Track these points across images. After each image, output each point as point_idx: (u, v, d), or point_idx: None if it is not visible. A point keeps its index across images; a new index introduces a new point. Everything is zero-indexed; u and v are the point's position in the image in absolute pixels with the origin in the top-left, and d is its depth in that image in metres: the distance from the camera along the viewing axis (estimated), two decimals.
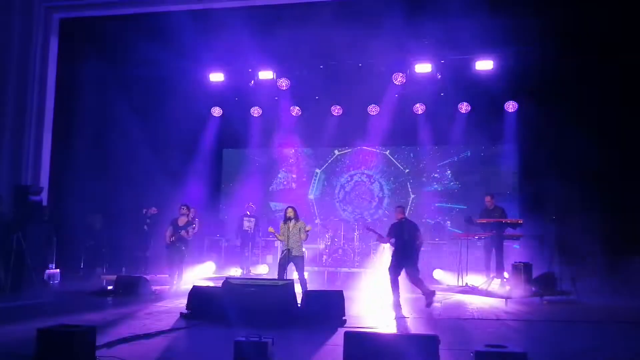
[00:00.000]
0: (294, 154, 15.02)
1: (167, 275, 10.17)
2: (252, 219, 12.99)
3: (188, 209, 10.20)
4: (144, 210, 12.48)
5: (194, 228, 10.10)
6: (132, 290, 9.24)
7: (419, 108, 13.60)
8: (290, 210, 8.89)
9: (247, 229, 12.83)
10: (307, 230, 8.84)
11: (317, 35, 11.82)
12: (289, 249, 8.66)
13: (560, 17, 10.80)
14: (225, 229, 13.90)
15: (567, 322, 7.36)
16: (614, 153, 11.04)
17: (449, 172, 14.03)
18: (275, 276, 8.85)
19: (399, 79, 13.07)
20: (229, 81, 13.71)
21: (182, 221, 10.01)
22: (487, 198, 10.60)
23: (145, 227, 12.36)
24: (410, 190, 14.25)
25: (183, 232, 9.85)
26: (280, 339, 4.97)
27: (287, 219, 8.84)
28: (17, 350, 5.06)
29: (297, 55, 12.91)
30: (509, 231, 10.06)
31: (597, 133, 11.01)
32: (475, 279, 10.19)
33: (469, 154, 13.88)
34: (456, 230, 12.47)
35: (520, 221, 10.00)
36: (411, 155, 14.38)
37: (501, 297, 8.96)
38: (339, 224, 12.95)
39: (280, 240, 8.95)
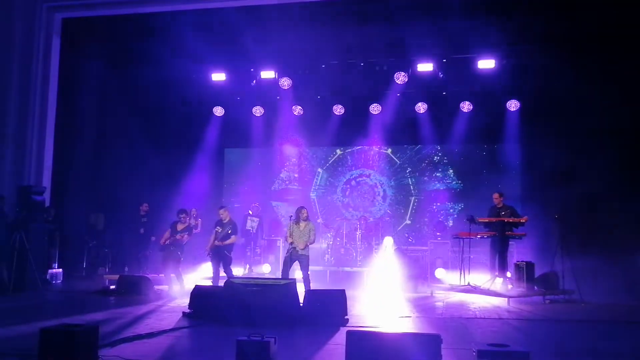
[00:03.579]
0: (296, 153, 15.01)
1: (163, 276, 10.15)
2: (256, 219, 12.99)
3: (186, 215, 10.17)
4: (141, 210, 12.51)
5: (189, 234, 10.08)
6: (134, 289, 9.26)
7: (421, 107, 13.58)
8: (304, 211, 8.97)
9: (249, 228, 12.84)
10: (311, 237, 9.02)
11: (319, 34, 11.83)
12: (294, 248, 8.70)
13: (562, 16, 10.78)
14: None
15: (569, 321, 7.36)
16: (617, 152, 11.02)
17: (451, 171, 14.02)
18: (278, 275, 8.86)
19: (400, 78, 13.05)
20: (231, 81, 13.71)
21: (180, 227, 9.98)
22: (495, 195, 10.46)
23: (142, 229, 12.35)
24: (412, 189, 14.24)
25: (179, 236, 9.81)
26: (282, 338, 4.97)
27: (298, 218, 8.88)
28: (21, 350, 5.07)
29: (299, 54, 12.91)
30: (513, 230, 10.03)
31: (599, 131, 10.99)
32: (478, 278, 10.17)
33: (471, 152, 13.87)
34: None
35: (523, 220, 9.96)
36: (413, 154, 14.37)
37: (503, 296, 8.95)
38: (341, 223, 12.96)
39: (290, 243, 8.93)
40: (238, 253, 12.82)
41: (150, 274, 10.95)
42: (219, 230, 9.51)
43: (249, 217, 12.93)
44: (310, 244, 8.86)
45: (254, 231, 12.90)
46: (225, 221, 9.62)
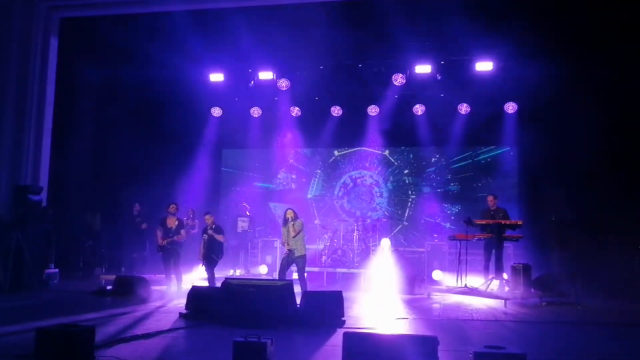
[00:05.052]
0: (294, 155, 15.02)
1: (163, 276, 10.15)
2: (245, 219, 12.95)
3: (177, 207, 10.11)
4: (134, 210, 12.55)
5: (187, 229, 10.05)
6: (131, 290, 9.23)
7: (419, 109, 13.60)
8: (289, 211, 8.93)
9: (240, 230, 12.80)
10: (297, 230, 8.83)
11: (317, 35, 11.84)
12: (291, 250, 8.70)
13: (560, 19, 10.81)
14: (225, 229, 13.87)
15: (566, 323, 7.37)
16: (614, 154, 11.06)
17: (448, 173, 14.04)
18: (275, 276, 8.86)
19: (398, 79, 13.06)
20: (229, 81, 13.70)
21: (170, 222, 9.87)
22: (490, 198, 10.56)
23: (145, 225, 12.37)
24: (409, 190, 14.26)
25: (177, 237, 9.80)
26: (279, 340, 4.97)
27: (286, 221, 8.87)
28: (17, 350, 5.06)
29: (297, 55, 12.92)
30: (509, 232, 10.06)
31: (596, 134, 11.02)
32: (475, 280, 10.20)
33: (468, 155, 13.90)
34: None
35: (520, 222, 9.99)
36: (411, 156, 14.38)
37: (500, 298, 8.96)
38: (338, 224, 12.95)
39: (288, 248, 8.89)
40: (233, 254, 12.84)
41: (147, 274, 10.94)
42: (206, 238, 9.56)
43: (238, 219, 12.90)
44: (294, 236, 8.80)
45: (249, 230, 12.88)
46: (211, 227, 9.67)
